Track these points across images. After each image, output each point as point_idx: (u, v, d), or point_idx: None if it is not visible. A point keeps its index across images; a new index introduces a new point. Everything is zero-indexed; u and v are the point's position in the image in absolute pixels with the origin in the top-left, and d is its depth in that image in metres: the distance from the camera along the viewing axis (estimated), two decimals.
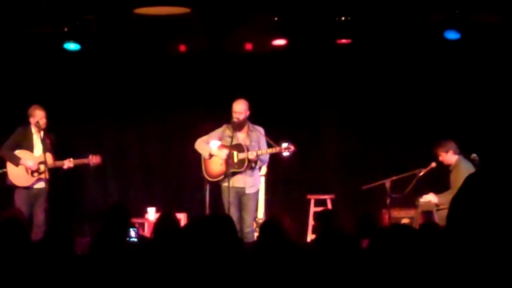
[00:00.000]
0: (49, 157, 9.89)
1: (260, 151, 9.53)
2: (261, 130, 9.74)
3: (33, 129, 9.95)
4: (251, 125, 9.69)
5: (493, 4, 10.43)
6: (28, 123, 9.96)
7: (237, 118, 9.51)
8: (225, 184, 9.54)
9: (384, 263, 3.11)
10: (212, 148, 9.68)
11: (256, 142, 9.63)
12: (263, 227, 6.10)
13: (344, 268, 3.79)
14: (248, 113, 9.60)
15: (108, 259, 5.62)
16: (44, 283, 4.76)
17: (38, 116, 9.88)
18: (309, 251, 4.72)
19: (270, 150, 9.58)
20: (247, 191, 9.60)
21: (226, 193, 9.52)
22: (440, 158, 9.84)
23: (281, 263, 4.82)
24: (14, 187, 9.93)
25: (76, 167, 10.25)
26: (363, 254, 3.67)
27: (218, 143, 9.72)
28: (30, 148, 9.95)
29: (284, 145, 9.48)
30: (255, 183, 9.73)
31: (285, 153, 9.51)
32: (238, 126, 9.57)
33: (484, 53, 11.18)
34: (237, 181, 9.59)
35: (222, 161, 9.58)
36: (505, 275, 2.42)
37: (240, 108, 9.53)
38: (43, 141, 9.86)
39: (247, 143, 9.60)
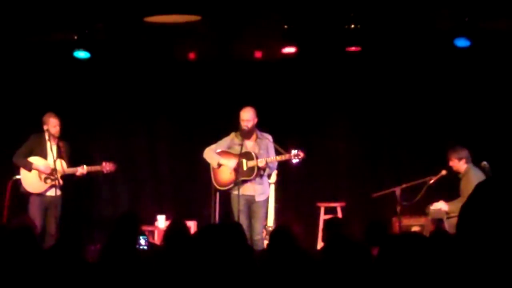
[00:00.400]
0: (61, 164, 9.92)
1: (269, 158, 9.53)
2: (269, 137, 9.74)
3: (47, 137, 9.98)
4: (259, 133, 9.69)
5: (503, 11, 10.40)
6: (42, 131, 10.00)
7: (246, 126, 9.52)
8: (235, 192, 9.54)
9: (395, 271, 3.10)
10: (220, 158, 9.67)
11: (265, 149, 9.63)
12: (273, 235, 6.09)
13: (354, 276, 3.78)
14: (256, 120, 9.60)
15: (118, 266, 5.63)
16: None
17: (51, 124, 9.93)
18: (319, 259, 4.71)
19: (279, 158, 9.57)
20: (257, 199, 9.59)
21: (235, 201, 9.52)
22: (451, 163, 9.81)
23: (291, 271, 4.81)
24: (28, 195, 9.98)
25: (88, 174, 10.29)
26: (373, 262, 3.66)
27: (218, 150, 9.75)
28: (43, 155, 10.00)
29: (293, 152, 9.46)
30: (264, 191, 9.73)
31: (295, 160, 9.49)
32: (247, 134, 9.58)
33: (494, 61, 11.15)
34: (247, 189, 9.59)
35: (231, 170, 9.59)
36: None
37: (248, 116, 9.54)
38: (57, 148, 9.93)
39: (256, 150, 9.59)
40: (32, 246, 5.00)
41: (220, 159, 9.67)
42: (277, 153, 9.66)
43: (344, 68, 11.81)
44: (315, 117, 11.97)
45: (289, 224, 8.90)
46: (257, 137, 9.67)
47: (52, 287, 4.79)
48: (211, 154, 9.75)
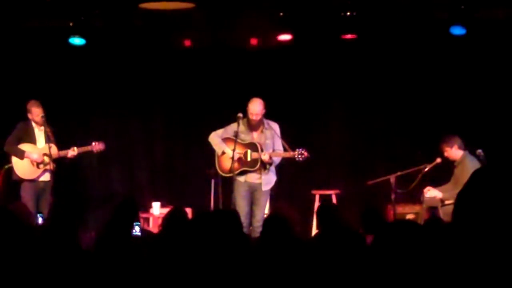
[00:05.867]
0: (53, 148, 9.99)
1: (273, 153, 9.50)
2: (275, 127, 9.67)
3: (33, 123, 10.09)
4: (266, 122, 9.64)
5: (498, 0, 10.40)
6: (27, 118, 10.08)
7: (255, 120, 9.48)
8: (238, 178, 9.53)
9: (389, 258, 3.10)
10: (226, 146, 9.61)
11: (270, 140, 9.60)
12: (266, 221, 6.09)
13: (348, 263, 3.79)
14: (264, 111, 9.54)
15: (114, 253, 5.63)
16: (46, 276, 4.75)
17: (34, 113, 10.03)
18: (313, 245, 4.72)
19: (283, 154, 9.55)
20: (263, 188, 9.59)
21: (239, 187, 9.52)
22: (446, 154, 9.82)
23: (285, 257, 4.82)
24: (20, 181, 10.02)
25: (81, 160, 10.35)
26: (368, 249, 3.67)
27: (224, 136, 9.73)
28: (32, 141, 10.08)
29: (298, 150, 9.41)
30: (270, 180, 9.69)
31: (298, 158, 9.46)
32: (254, 126, 9.55)
33: (489, 49, 11.15)
34: (252, 177, 9.58)
35: (231, 158, 9.53)
36: (510, 270, 2.41)
37: (257, 110, 9.45)
38: (45, 133, 10.00)
39: (262, 140, 9.56)
40: (15, 228, 4.93)
41: (225, 148, 9.62)
42: (283, 148, 9.62)
43: (339, 56, 11.80)
44: (310, 105, 11.97)
45: (285, 209, 8.91)
46: (263, 127, 9.62)
47: (44, 274, 4.77)
48: (217, 140, 9.69)
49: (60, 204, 10.13)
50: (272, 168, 9.73)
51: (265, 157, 9.44)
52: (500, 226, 2.42)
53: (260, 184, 9.58)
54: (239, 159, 9.50)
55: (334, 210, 7.38)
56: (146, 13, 10.74)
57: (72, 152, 10.14)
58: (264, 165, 9.57)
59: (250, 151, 9.53)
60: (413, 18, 10.78)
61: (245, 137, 9.56)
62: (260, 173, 9.58)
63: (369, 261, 3.34)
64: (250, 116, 9.47)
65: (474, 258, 2.46)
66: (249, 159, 9.54)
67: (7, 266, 4.60)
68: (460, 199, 2.56)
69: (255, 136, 9.61)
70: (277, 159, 9.66)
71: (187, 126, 12.14)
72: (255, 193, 9.60)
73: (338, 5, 10.68)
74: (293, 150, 9.45)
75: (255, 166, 9.54)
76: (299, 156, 9.41)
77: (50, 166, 10.00)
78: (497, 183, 2.48)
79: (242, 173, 9.57)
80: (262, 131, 9.63)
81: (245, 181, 9.55)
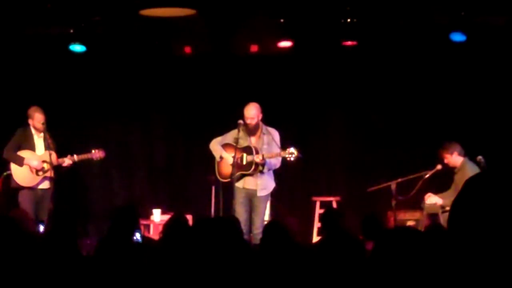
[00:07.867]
0: (52, 155, 9.93)
1: (266, 154, 9.51)
2: (275, 134, 9.67)
3: (33, 130, 10.02)
4: (264, 128, 9.65)
5: (498, 6, 10.41)
6: (27, 124, 10.03)
7: (250, 124, 9.50)
8: (236, 184, 9.55)
9: (389, 265, 3.10)
10: (223, 151, 9.65)
11: (267, 145, 9.60)
12: (266, 228, 6.10)
13: (348, 269, 3.79)
14: (260, 116, 9.55)
15: (114, 260, 5.62)
16: (47, 283, 4.76)
17: (37, 119, 9.93)
18: (314, 252, 4.72)
19: (275, 155, 9.53)
20: (258, 194, 9.58)
21: (237, 194, 9.53)
22: (446, 161, 9.82)
23: (285, 264, 4.82)
24: (19, 189, 9.95)
25: (80, 167, 10.31)
26: (368, 256, 3.67)
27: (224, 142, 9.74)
28: (31, 148, 10.01)
29: (288, 150, 9.40)
30: (266, 186, 9.68)
31: (288, 158, 9.44)
32: (251, 131, 9.56)
33: (489, 56, 11.16)
34: (249, 183, 9.58)
35: (231, 165, 9.55)
36: (507, 277, 2.41)
37: (252, 114, 9.48)
38: (44, 140, 9.94)
39: (259, 145, 9.57)
40: (15, 236, 4.95)
41: (222, 152, 9.65)
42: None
43: (340, 62, 11.80)
44: (311, 111, 11.97)
45: (285, 218, 8.92)
46: (261, 132, 9.63)
47: (45, 280, 4.78)
48: (216, 146, 9.73)
49: (60, 211, 10.13)
50: (270, 174, 9.72)
51: (258, 158, 9.44)
52: (495, 233, 2.43)
53: (256, 190, 9.58)
54: (232, 165, 9.51)
55: (338, 216, 7.39)
56: (147, 20, 10.75)
57: (72, 159, 10.08)
58: (259, 168, 9.56)
59: (246, 154, 9.54)
60: (413, 25, 10.79)
61: (244, 142, 9.58)
62: (256, 177, 9.57)
63: (369, 268, 3.34)
64: (246, 121, 9.50)
65: (474, 264, 2.46)
66: (244, 162, 9.55)
67: (9, 272, 4.60)
68: (455, 206, 2.56)
69: (253, 141, 9.62)
70: (272, 163, 9.63)
71: (187, 133, 12.14)
72: (253, 200, 9.60)
73: (339, 11, 10.69)
74: (284, 150, 9.43)
75: (250, 169, 9.54)
76: (289, 155, 9.38)
77: (50, 174, 9.96)
78: (492, 189, 2.48)
79: (240, 178, 9.57)
80: (259, 136, 9.64)
81: (243, 187, 9.56)
